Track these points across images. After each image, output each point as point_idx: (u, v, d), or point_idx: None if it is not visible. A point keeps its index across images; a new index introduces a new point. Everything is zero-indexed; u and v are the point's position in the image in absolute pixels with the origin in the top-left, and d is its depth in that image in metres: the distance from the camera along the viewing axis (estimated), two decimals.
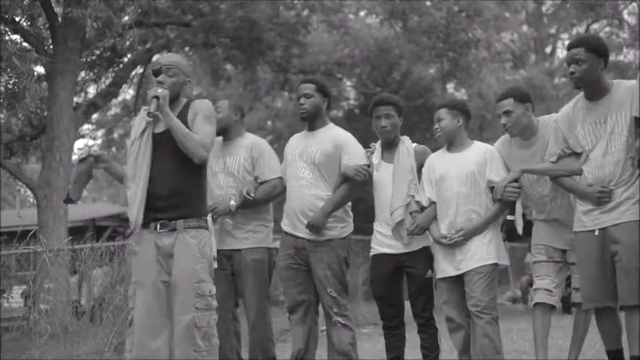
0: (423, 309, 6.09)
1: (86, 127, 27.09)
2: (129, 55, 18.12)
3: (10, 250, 9.30)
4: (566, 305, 10.97)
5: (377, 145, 6.29)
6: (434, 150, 6.27)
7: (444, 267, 5.92)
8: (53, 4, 14.57)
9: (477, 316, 5.75)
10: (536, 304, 5.85)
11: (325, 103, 6.29)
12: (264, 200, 6.33)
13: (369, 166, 6.19)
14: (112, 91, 17.55)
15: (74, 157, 13.89)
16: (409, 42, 22.42)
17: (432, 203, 6.02)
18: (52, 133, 14.50)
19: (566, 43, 5.65)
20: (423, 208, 6.05)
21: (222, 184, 6.33)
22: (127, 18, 15.43)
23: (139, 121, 5.27)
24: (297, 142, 6.33)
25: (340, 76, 24.67)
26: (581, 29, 30.80)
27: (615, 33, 31.98)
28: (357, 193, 6.24)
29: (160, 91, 5.10)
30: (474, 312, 5.76)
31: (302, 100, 6.24)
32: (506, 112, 5.86)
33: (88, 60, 17.51)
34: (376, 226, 6.25)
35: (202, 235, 5.15)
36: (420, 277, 6.07)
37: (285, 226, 6.26)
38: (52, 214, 14.11)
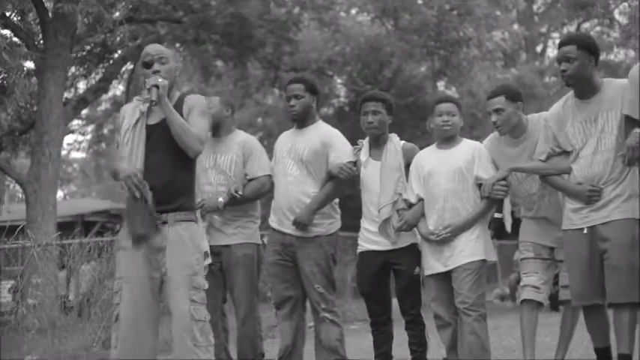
0: (410, 306, 6.09)
1: (76, 123, 27.00)
2: (119, 51, 18.09)
3: None
4: (554, 303, 10.98)
5: (365, 143, 6.29)
6: (422, 148, 6.26)
7: (432, 263, 5.92)
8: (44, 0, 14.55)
9: (464, 313, 5.75)
10: (523, 300, 5.86)
11: (315, 101, 6.28)
12: (253, 198, 6.33)
13: (355, 163, 6.19)
14: (102, 86, 17.53)
15: (63, 153, 13.91)
16: (400, 40, 22.44)
17: (420, 200, 6.02)
18: (41, 128, 14.47)
19: (557, 42, 5.66)
20: (410, 206, 6.04)
21: (213, 181, 6.33)
22: (117, 14, 15.41)
23: (132, 111, 5.17)
24: (285, 140, 6.34)
25: (331, 74, 24.66)
26: (572, 28, 30.88)
27: (606, 32, 32.06)
28: (343, 190, 6.24)
29: (160, 80, 5.03)
30: (461, 309, 5.76)
31: (292, 102, 6.23)
32: (497, 110, 5.86)
33: (79, 55, 17.48)
34: (363, 223, 6.24)
35: (193, 228, 5.07)
36: (408, 274, 6.07)
37: (273, 222, 6.27)
38: (41, 210, 14.07)
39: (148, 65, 5.12)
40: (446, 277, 5.87)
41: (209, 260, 5.39)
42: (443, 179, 5.91)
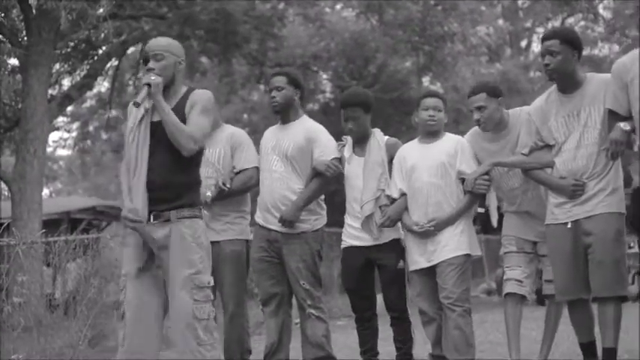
0: (395, 301, 6.09)
1: (61, 120, 26.90)
2: (104, 48, 18.01)
3: None
4: (541, 297, 11.02)
5: (349, 139, 6.29)
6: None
7: (416, 258, 5.92)
8: None
9: (448, 308, 5.75)
10: (507, 294, 5.88)
11: (298, 95, 6.27)
12: (241, 190, 6.32)
13: (339, 159, 6.19)
14: (86, 83, 17.44)
15: (49, 150, 13.86)
16: (385, 35, 22.44)
17: (403, 195, 6.02)
18: (26, 126, 14.39)
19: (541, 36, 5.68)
20: (393, 201, 6.04)
21: (203, 175, 6.30)
22: (101, 10, 15.34)
23: (136, 110, 5.10)
24: (270, 136, 6.33)
25: (316, 69, 24.64)
26: (557, 23, 30.94)
27: (590, 27, 32.15)
28: (329, 186, 6.24)
29: (152, 78, 4.98)
30: (445, 304, 5.76)
31: (273, 93, 6.23)
32: (480, 108, 5.86)
33: (63, 52, 17.39)
34: (347, 219, 6.25)
35: (197, 224, 5.03)
36: (391, 269, 6.07)
37: (259, 218, 6.27)
38: (26, 207, 14.01)
39: (145, 61, 5.10)
40: (430, 273, 5.87)
41: None
42: (425, 173, 5.91)
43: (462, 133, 6.19)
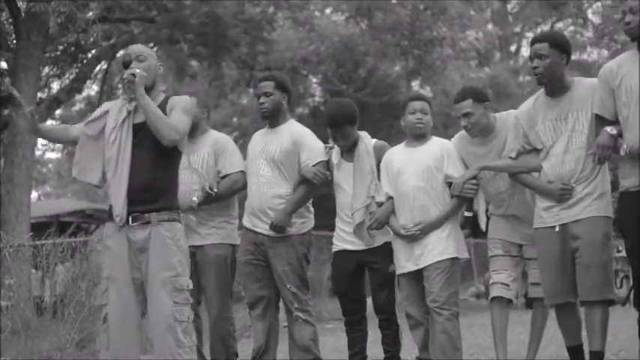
0: (384, 305, 6.09)
1: (50, 123, 26.78)
2: (93, 51, 17.99)
3: None
4: (529, 301, 11.04)
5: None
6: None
7: (404, 262, 5.92)
8: None
9: (435, 312, 5.73)
10: (493, 298, 5.87)
11: (285, 99, 6.27)
12: (227, 195, 6.32)
13: (327, 162, 6.19)
14: (75, 86, 17.40)
15: (37, 153, 13.84)
16: (374, 39, 22.47)
17: (390, 198, 6.02)
18: (14, 129, 14.36)
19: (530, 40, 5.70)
20: (381, 205, 6.05)
21: (187, 181, 6.30)
22: (90, 13, 15.31)
23: (118, 109, 5.15)
24: (258, 140, 6.33)
25: (306, 73, 24.66)
26: (546, 28, 31.02)
27: (579, 32, 32.24)
28: (317, 191, 6.24)
29: (137, 70, 5.01)
30: (432, 308, 5.75)
31: (262, 99, 6.23)
32: (467, 115, 5.85)
33: (52, 55, 17.36)
34: (338, 223, 6.25)
35: (176, 227, 5.05)
36: (382, 273, 6.08)
37: (246, 222, 6.26)
38: (15, 210, 13.98)
39: (126, 65, 5.11)
40: (417, 276, 5.87)
41: None
42: (412, 177, 5.90)
43: (451, 138, 6.19)
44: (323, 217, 6.76)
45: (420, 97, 6.16)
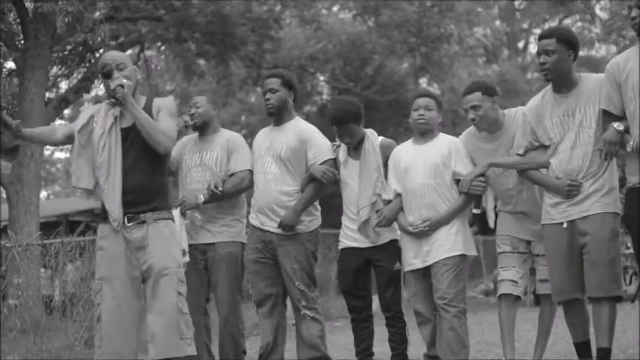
0: (390, 302, 6.10)
1: (58, 123, 26.85)
2: (101, 50, 17.99)
3: None
4: (537, 298, 11.02)
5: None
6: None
7: (412, 259, 5.92)
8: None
9: (443, 308, 5.74)
10: (501, 295, 5.86)
11: (291, 96, 6.27)
12: (233, 193, 6.33)
13: (335, 160, 6.19)
14: (83, 86, 17.41)
15: (46, 153, 13.85)
16: (381, 37, 22.45)
17: (398, 195, 6.02)
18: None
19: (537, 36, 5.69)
20: (389, 203, 6.05)
21: (199, 179, 6.32)
22: (98, 13, 15.34)
23: (104, 114, 5.27)
24: (264, 137, 6.33)
25: (313, 71, 24.65)
26: (554, 24, 30.97)
27: (587, 28, 32.18)
28: (325, 189, 6.24)
29: (124, 81, 5.11)
30: (440, 305, 5.75)
31: (268, 95, 6.23)
32: (474, 107, 5.84)
33: (60, 55, 17.39)
34: (344, 220, 6.26)
35: (172, 225, 5.26)
36: (388, 270, 6.08)
37: (253, 220, 6.27)
38: (23, 210, 14.03)
39: (107, 75, 5.20)
40: (425, 273, 5.87)
41: (187, 258, 5.47)
42: (419, 174, 5.90)
43: (459, 135, 6.19)
44: (330, 215, 6.77)
45: (424, 94, 6.17)
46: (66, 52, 17.49)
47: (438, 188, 5.87)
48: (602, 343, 5.36)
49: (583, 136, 5.43)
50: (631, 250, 13.71)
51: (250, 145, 6.47)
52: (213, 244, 6.30)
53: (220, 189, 6.19)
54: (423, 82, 26.49)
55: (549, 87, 5.63)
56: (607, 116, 5.27)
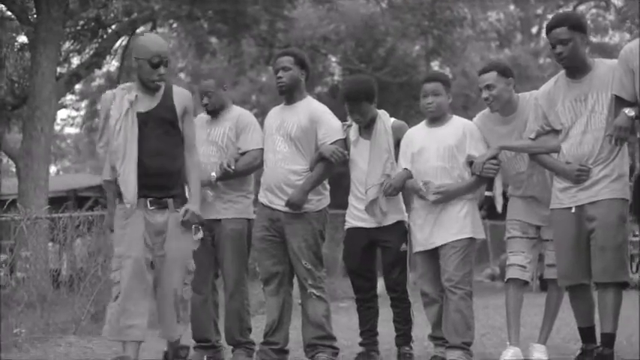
0: (396, 283, 6.12)
1: (69, 98, 26.90)
2: (113, 26, 17.98)
3: None
4: (544, 283, 11.02)
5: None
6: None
7: (420, 241, 5.93)
8: None
9: (450, 290, 5.76)
10: (509, 279, 5.86)
11: (304, 75, 6.26)
12: (245, 172, 6.33)
13: (345, 140, 6.19)
14: (95, 61, 17.38)
15: (56, 128, 13.85)
16: (394, 19, 22.37)
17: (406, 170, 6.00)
18: (33, 103, 14.39)
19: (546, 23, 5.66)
20: None
21: (205, 153, 6.31)
22: None
23: (119, 100, 5.42)
24: (274, 116, 6.32)
25: (325, 52, 24.60)
26: (569, 9, 30.78)
27: (602, 15, 32.06)
28: (334, 170, 6.24)
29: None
30: (447, 287, 5.77)
31: (280, 74, 6.22)
32: (489, 86, 5.82)
33: (72, 30, 17.37)
34: (351, 200, 6.26)
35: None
36: (394, 251, 6.10)
37: (262, 198, 6.27)
38: (33, 184, 14.04)
39: (155, 66, 5.38)
40: (433, 255, 5.88)
41: (200, 234, 5.55)
42: (433, 157, 5.89)
43: (471, 119, 6.17)
44: (340, 196, 6.77)
45: (431, 79, 6.11)
46: (78, 28, 17.46)
47: (451, 171, 5.87)
48: (607, 328, 5.37)
49: (594, 121, 5.43)
50: (638, 238, 13.74)
51: (261, 124, 6.46)
52: (219, 220, 6.31)
53: (233, 167, 6.19)
54: (435, 65, 26.38)
55: (562, 72, 5.62)
56: (619, 102, 5.27)
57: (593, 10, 32.34)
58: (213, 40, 21.05)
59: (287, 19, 19.89)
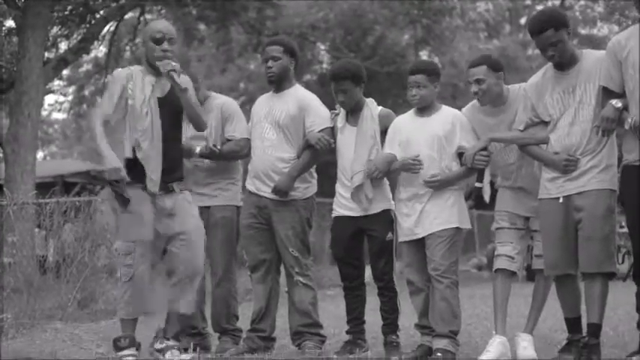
0: (382, 272, 6.12)
1: (57, 83, 26.77)
2: (101, 12, 17.91)
3: None
4: (531, 274, 11.05)
5: (342, 109, 6.28)
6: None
7: (406, 230, 5.93)
8: None
9: (436, 279, 5.77)
10: (497, 270, 5.88)
11: (293, 64, 6.26)
12: (229, 157, 6.32)
13: (332, 129, 6.19)
14: (82, 46, 17.32)
15: (44, 113, 13.80)
16: (383, 7, 22.36)
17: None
18: (20, 88, 14.33)
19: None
20: None
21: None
22: None
23: (141, 82, 5.50)
24: (263, 104, 6.32)
25: (314, 40, 24.57)
26: (557, 1, 30.86)
27: (590, 7, 32.08)
28: (322, 157, 6.24)
29: (174, 64, 5.43)
30: (433, 276, 5.77)
31: (270, 63, 6.21)
32: (478, 81, 5.81)
33: (60, 15, 17.29)
34: (338, 188, 6.26)
35: (190, 195, 5.74)
36: (380, 240, 6.09)
37: (249, 185, 6.28)
38: (20, 169, 13.99)
39: (158, 42, 5.47)
40: (420, 244, 5.88)
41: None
42: (422, 147, 5.89)
43: (459, 109, 6.16)
44: (327, 184, 6.77)
45: (415, 70, 6.00)
46: (66, 12, 17.39)
47: (439, 162, 5.86)
48: (593, 318, 5.38)
49: (582, 112, 5.44)
50: (625, 230, 13.74)
51: (248, 112, 6.45)
52: (208, 207, 6.30)
53: (219, 147, 6.20)
54: (423, 54, 26.39)
55: (550, 64, 5.62)
56: (606, 93, 5.28)
57: (582, 2, 32.35)
58: (202, 26, 21.02)
59: (276, 6, 19.85)
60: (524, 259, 6.12)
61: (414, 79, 5.93)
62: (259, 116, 6.25)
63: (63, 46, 19.20)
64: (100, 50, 24.84)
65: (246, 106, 20.76)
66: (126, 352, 5.43)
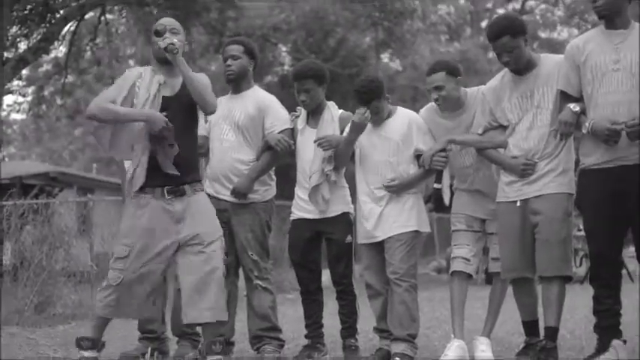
0: (341, 275, 6.11)
1: (16, 84, 26.50)
2: (61, 11, 17.76)
3: None
4: (489, 277, 11.11)
5: (302, 111, 6.27)
6: None
7: (364, 233, 5.94)
8: None
9: (395, 283, 5.77)
10: (453, 272, 5.89)
11: (252, 65, 6.25)
12: None
13: (292, 130, 6.18)
14: (42, 46, 17.17)
15: (2, 114, 13.62)
16: (345, 9, 22.39)
17: None
18: None
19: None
20: None
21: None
22: None
23: (149, 80, 5.36)
24: (222, 105, 6.28)
25: (275, 42, 24.54)
26: (517, 5, 31.09)
27: (550, 11, 32.34)
28: (281, 159, 6.23)
29: (175, 40, 5.24)
30: (392, 279, 5.78)
31: (229, 62, 6.20)
32: (438, 88, 5.82)
33: (19, 14, 17.13)
34: (297, 190, 6.24)
35: (206, 197, 5.53)
36: (339, 243, 6.09)
37: (208, 188, 6.23)
38: None
39: (159, 34, 5.31)
40: (378, 247, 5.89)
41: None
42: (378, 151, 5.90)
43: (419, 111, 6.17)
44: (287, 188, 6.76)
45: (361, 91, 5.93)
46: (26, 12, 17.23)
47: (396, 166, 5.87)
48: (550, 322, 5.41)
49: (540, 117, 5.48)
50: (582, 233, 13.85)
51: None
52: None
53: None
54: (384, 57, 26.46)
55: (507, 69, 5.65)
56: (564, 97, 5.32)
57: (542, 6, 32.61)
58: None
59: (237, 7, 19.81)
60: (482, 262, 6.13)
61: (363, 98, 5.89)
62: (217, 117, 6.20)
63: (22, 45, 19.01)
64: (59, 50, 24.62)
65: None
66: (86, 353, 5.35)
